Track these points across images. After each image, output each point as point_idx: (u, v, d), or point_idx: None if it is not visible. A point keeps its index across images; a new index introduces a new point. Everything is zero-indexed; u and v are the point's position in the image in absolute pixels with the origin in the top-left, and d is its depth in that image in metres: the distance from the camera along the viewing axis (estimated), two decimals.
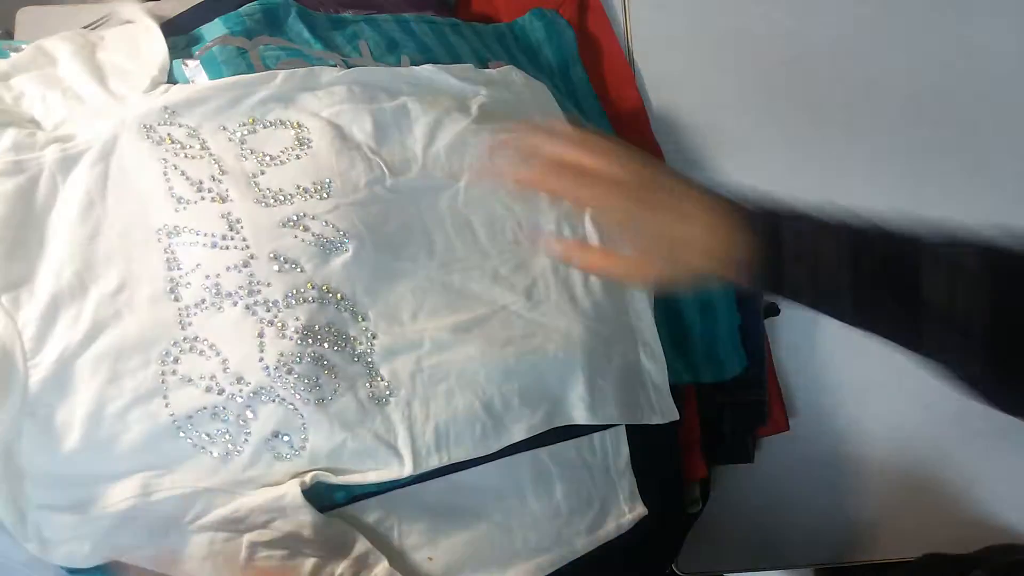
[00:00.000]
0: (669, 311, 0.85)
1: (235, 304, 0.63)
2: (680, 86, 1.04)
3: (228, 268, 0.63)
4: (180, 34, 0.75)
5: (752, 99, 1.03)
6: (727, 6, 1.05)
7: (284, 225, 0.65)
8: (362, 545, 0.68)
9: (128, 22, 0.76)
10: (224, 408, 0.63)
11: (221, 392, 0.63)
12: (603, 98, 1.01)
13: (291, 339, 0.63)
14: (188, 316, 0.63)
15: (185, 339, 0.63)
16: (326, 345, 0.65)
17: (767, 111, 1.03)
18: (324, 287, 0.65)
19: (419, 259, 0.70)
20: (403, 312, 0.69)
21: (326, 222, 0.66)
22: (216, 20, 0.74)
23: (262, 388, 0.63)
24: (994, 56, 1.04)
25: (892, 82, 1.04)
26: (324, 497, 0.67)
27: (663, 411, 0.78)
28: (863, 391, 0.99)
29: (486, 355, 0.69)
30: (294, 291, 0.64)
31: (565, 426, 0.72)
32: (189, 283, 0.64)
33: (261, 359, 0.63)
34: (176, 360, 0.63)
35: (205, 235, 0.64)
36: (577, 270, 0.75)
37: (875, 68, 1.04)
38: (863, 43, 1.05)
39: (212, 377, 0.63)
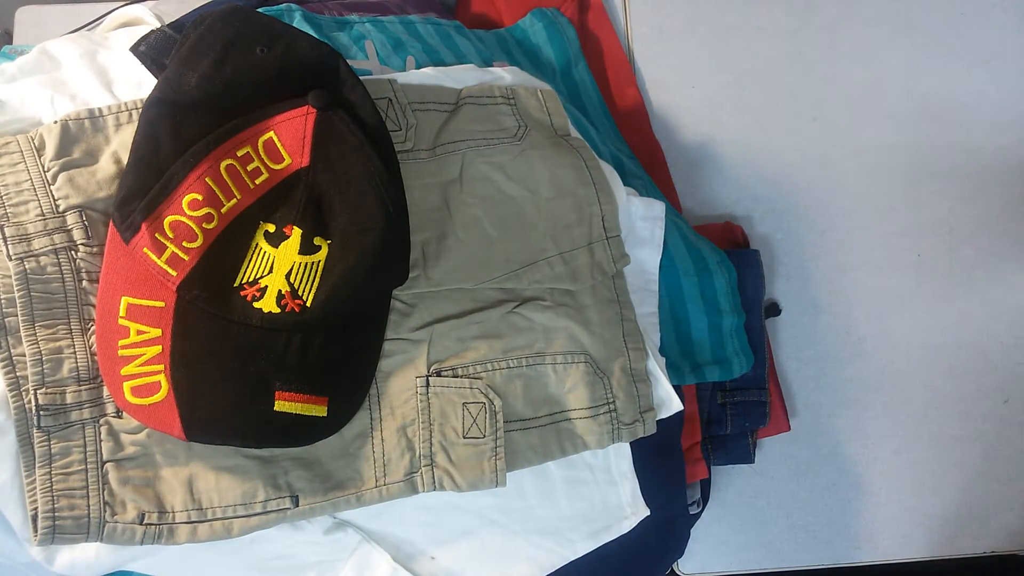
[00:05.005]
0: (675, 311, 0.85)
1: None
2: (680, 86, 1.04)
3: None
4: None
5: (752, 98, 1.04)
6: (727, 5, 1.05)
7: None
8: (365, 545, 0.68)
9: (132, 23, 0.76)
10: None
11: None
12: (604, 97, 1.01)
13: None
14: None
15: None
16: None
17: (767, 111, 1.03)
18: None
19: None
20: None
21: None
22: None
23: None
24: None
25: (892, 80, 1.04)
26: None
27: (668, 410, 0.78)
28: (863, 391, 0.99)
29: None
30: None
31: None
32: None
33: None
34: None
35: None
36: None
37: (876, 66, 1.04)
38: (864, 41, 1.05)
39: None
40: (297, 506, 0.64)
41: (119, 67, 0.70)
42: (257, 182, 0.63)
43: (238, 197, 0.62)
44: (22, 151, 0.64)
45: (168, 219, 0.60)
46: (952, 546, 0.98)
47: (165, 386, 0.59)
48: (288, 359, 0.62)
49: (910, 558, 0.98)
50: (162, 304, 0.61)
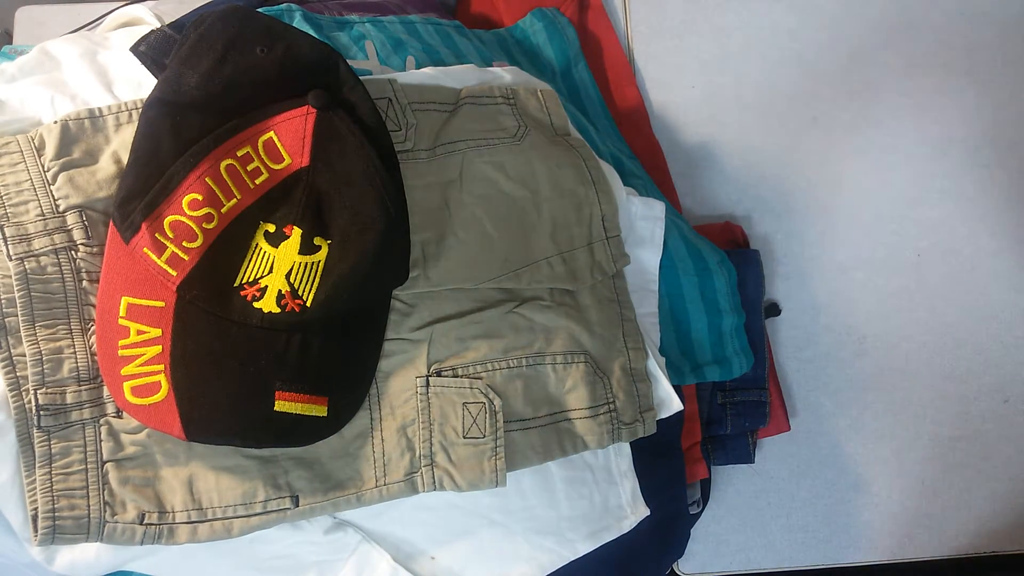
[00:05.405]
0: (675, 311, 0.85)
1: None
2: (680, 86, 1.04)
3: None
4: None
5: (752, 98, 1.04)
6: (727, 5, 1.05)
7: None
8: (364, 545, 0.68)
9: (132, 23, 0.76)
10: None
11: None
12: (604, 97, 1.01)
13: None
14: None
15: None
16: None
17: (767, 110, 1.03)
18: None
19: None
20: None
21: None
22: None
23: None
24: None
25: (892, 80, 1.04)
26: None
27: (668, 410, 0.78)
28: (863, 391, 0.99)
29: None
30: None
31: None
32: None
33: None
34: None
35: None
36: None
37: (876, 66, 1.04)
38: (864, 41, 1.05)
39: None
40: (297, 506, 0.64)
41: (119, 67, 0.70)
42: (257, 182, 0.63)
43: (238, 197, 0.62)
44: (22, 151, 0.64)
45: (168, 219, 0.60)
46: (952, 546, 0.98)
47: (165, 386, 0.59)
48: (288, 359, 0.62)
49: (910, 558, 0.97)
50: (162, 304, 0.61)
